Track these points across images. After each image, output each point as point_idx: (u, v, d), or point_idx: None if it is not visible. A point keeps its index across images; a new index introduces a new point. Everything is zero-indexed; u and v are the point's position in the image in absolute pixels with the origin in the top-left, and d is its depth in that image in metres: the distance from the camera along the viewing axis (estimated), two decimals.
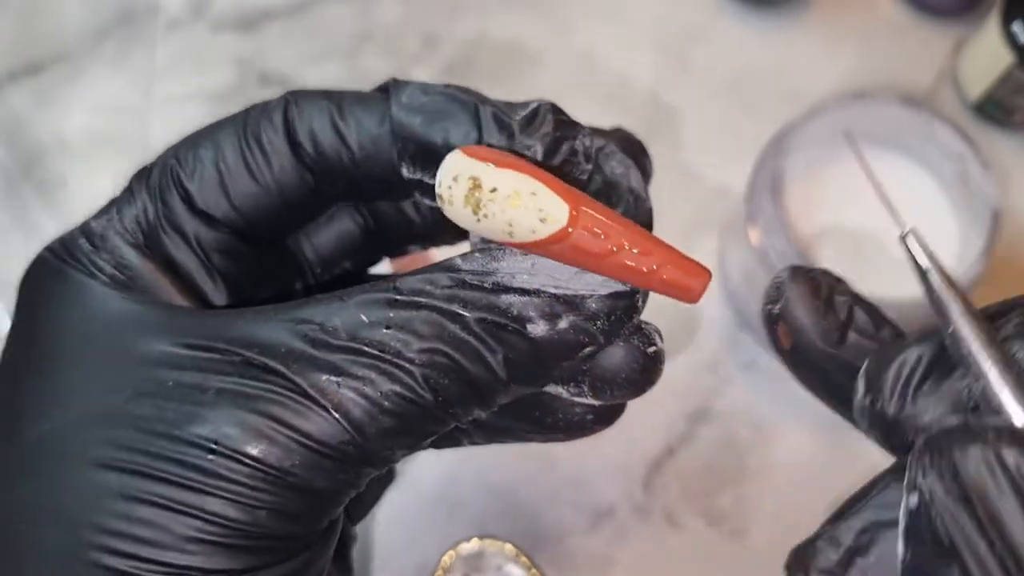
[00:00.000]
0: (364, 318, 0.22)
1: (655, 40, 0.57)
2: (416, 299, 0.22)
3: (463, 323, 0.22)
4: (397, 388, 0.21)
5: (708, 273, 0.22)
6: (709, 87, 0.56)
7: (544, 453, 0.48)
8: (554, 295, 0.22)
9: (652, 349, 0.24)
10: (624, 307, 0.23)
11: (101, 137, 0.55)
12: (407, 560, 0.45)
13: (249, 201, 0.25)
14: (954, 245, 0.47)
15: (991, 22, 0.51)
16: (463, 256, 0.23)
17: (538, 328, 0.22)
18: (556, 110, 0.24)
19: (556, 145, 0.23)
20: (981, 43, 0.53)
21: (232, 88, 0.56)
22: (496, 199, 0.21)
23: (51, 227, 0.53)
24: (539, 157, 0.23)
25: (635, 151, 0.27)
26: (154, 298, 0.24)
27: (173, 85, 0.56)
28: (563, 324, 0.22)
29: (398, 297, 0.22)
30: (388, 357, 0.22)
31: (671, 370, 0.51)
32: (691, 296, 0.22)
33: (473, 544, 0.42)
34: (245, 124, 0.25)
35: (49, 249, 0.26)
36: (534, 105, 0.24)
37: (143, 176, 0.26)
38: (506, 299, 0.22)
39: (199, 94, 0.55)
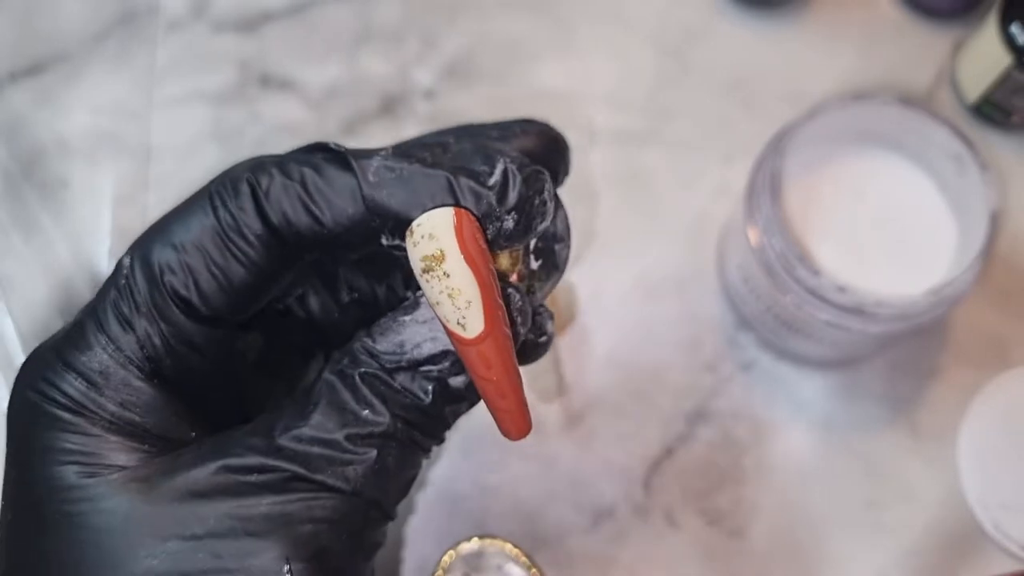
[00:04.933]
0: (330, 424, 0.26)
1: (655, 40, 0.57)
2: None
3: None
4: (370, 459, 0.26)
5: (526, 431, 0.27)
6: (709, 87, 0.56)
7: (545, 453, 0.48)
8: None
9: (543, 339, 0.29)
10: None
11: (102, 137, 0.55)
12: (407, 559, 0.45)
13: (244, 290, 0.26)
14: (952, 246, 0.47)
15: (990, 23, 0.51)
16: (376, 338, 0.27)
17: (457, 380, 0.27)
18: (522, 165, 0.26)
19: (525, 204, 0.25)
20: (979, 44, 0.53)
21: (232, 88, 0.56)
22: (443, 282, 0.24)
23: (52, 227, 0.53)
24: (510, 227, 0.25)
25: (556, 148, 0.30)
26: (163, 433, 0.25)
27: (173, 85, 0.56)
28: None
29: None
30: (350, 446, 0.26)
31: (670, 370, 0.51)
32: (508, 436, 0.27)
33: (473, 544, 0.42)
34: (217, 215, 0.25)
35: (37, 391, 0.25)
36: (501, 167, 0.25)
37: (107, 298, 0.25)
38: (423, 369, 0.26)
39: (199, 94, 0.55)
